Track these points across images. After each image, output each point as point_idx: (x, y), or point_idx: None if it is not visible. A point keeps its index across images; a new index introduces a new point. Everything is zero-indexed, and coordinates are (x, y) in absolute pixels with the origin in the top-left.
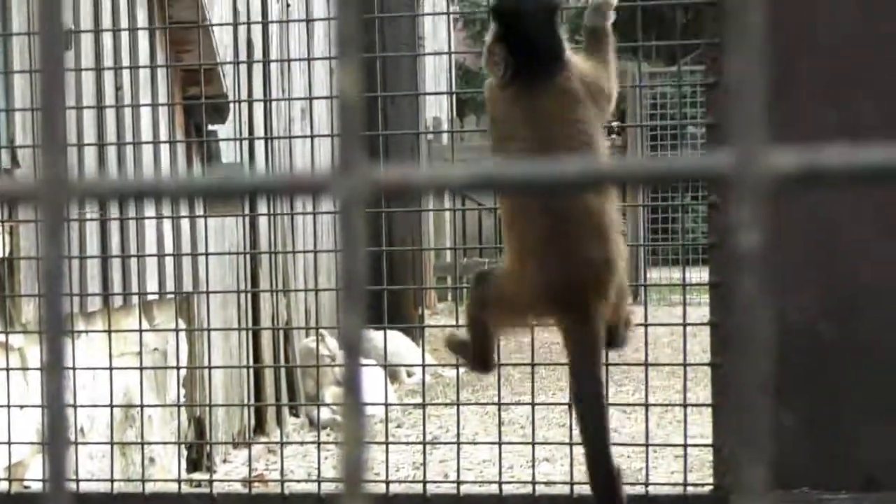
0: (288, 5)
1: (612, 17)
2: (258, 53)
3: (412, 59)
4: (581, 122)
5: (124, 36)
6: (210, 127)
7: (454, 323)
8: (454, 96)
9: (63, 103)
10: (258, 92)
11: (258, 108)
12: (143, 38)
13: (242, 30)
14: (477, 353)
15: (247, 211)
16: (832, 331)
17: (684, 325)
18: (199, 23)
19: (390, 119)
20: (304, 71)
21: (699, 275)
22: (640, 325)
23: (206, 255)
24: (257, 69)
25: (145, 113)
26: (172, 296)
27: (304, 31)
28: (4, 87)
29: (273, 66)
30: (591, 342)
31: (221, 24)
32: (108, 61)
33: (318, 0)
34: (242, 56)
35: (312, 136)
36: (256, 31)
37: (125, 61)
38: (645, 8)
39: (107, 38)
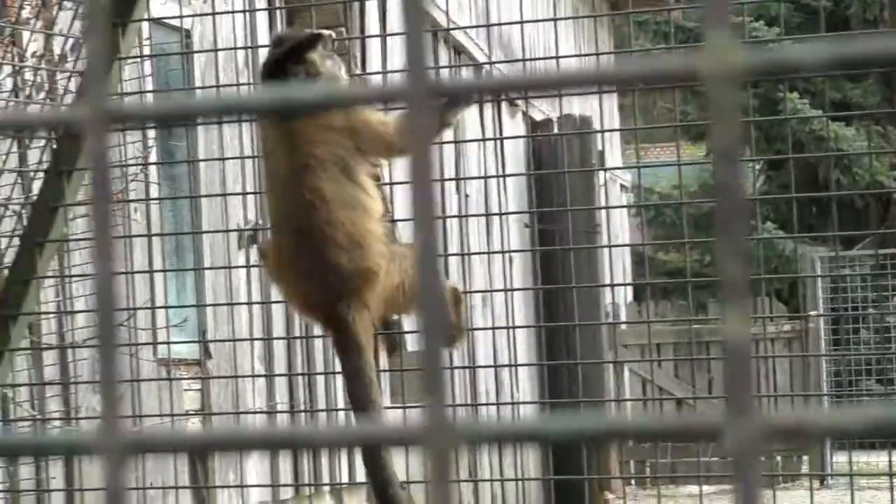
0: (467, 196)
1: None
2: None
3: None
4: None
5: None
6: (394, 316)
7: None
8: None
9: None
10: None
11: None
12: None
13: None
14: None
15: None
16: None
17: None
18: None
19: (569, 305)
20: (483, 262)
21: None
22: None
23: None
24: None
25: None
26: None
27: (483, 224)
28: (195, 283)
29: (453, 257)
30: (350, 348)
31: (401, 219)
32: None
33: (495, 194)
34: None
35: (494, 328)
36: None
37: None
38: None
39: None
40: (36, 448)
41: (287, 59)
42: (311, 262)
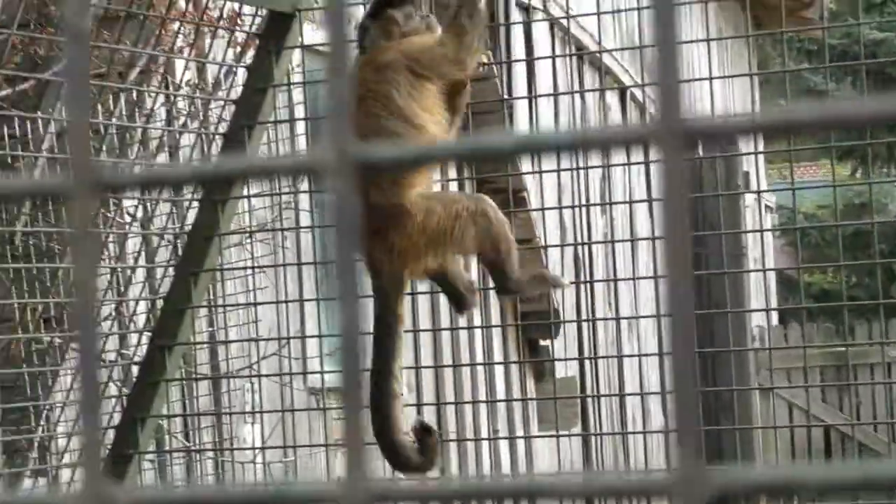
0: (612, 220)
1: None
2: (584, 270)
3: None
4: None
5: None
6: (542, 342)
7: None
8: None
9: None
10: (585, 308)
11: (585, 327)
12: None
13: (570, 248)
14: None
15: None
16: None
17: None
18: (530, 243)
19: (716, 329)
20: (629, 287)
21: None
22: None
23: None
24: (585, 285)
25: (478, 338)
26: None
27: (628, 249)
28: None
29: (599, 283)
30: (380, 294)
31: (550, 245)
32: None
33: (641, 217)
34: (569, 273)
35: (640, 355)
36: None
37: None
38: None
39: None
40: (276, 499)
41: (371, 15)
42: (363, 204)
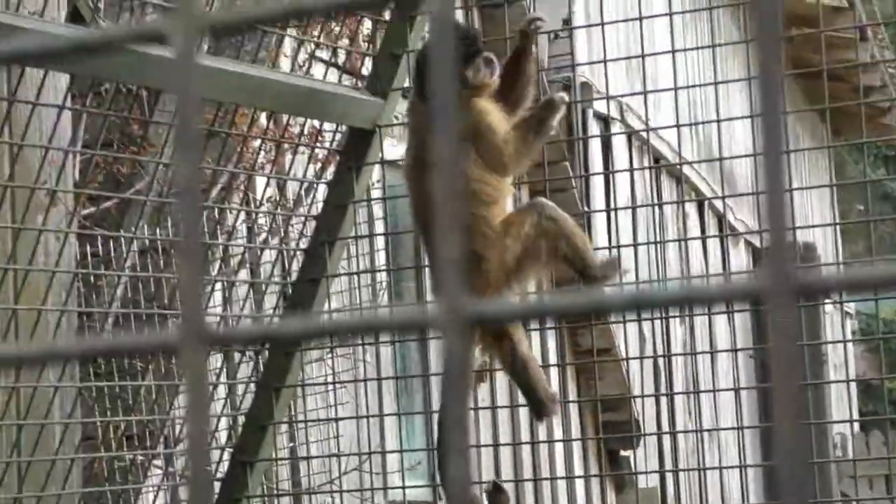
0: (692, 330)
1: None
2: (664, 381)
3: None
4: None
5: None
6: (623, 453)
7: None
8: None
9: None
10: (666, 419)
11: (666, 438)
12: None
13: (649, 360)
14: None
15: None
16: None
17: None
18: (609, 353)
19: None
20: (709, 399)
21: None
22: None
23: None
24: (666, 396)
25: (558, 447)
26: None
27: (708, 360)
28: (425, 426)
29: (679, 394)
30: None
31: (630, 358)
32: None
33: (721, 325)
34: (649, 383)
35: (721, 468)
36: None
37: None
38: None
39: None
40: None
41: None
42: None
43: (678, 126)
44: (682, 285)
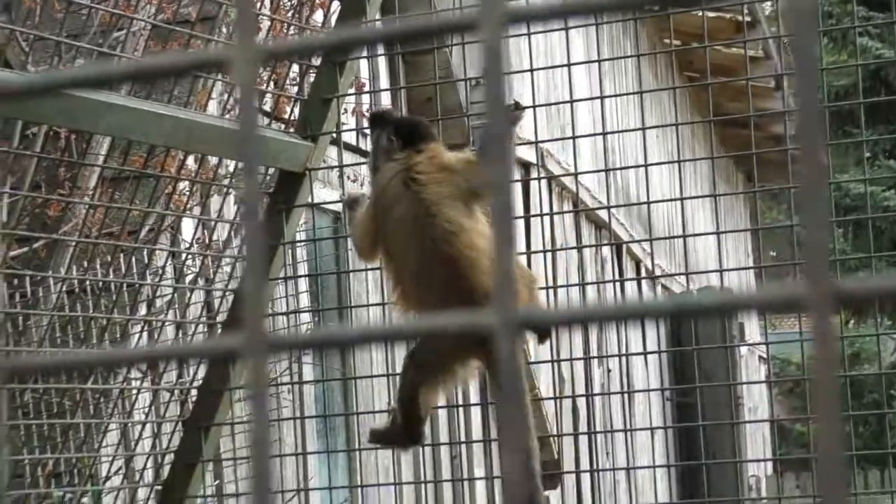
0: (609, 370)
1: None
2: (583, 421)
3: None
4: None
5: None
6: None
7: None
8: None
9: None
10: (584, 460)
11: (585, 478)
12: None
13: (568, 400)
14: (405, 427)
15: None
16: None
17: None
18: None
19: (711, 478)
20: (623, 439)
21: None
22: None
23: None
24: (584, 437)
25: (479, 486)
26: None
27: (626, 401)
28: (347, 464)
29: (600, 433)
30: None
31: (545, 398)
32: None
33: (639, 367)
34: (567, 425)
35: None
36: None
37: None
38: None
39: None
40: None
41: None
42: (460, 292)
43: (606, 170)
44: (723, 292)
